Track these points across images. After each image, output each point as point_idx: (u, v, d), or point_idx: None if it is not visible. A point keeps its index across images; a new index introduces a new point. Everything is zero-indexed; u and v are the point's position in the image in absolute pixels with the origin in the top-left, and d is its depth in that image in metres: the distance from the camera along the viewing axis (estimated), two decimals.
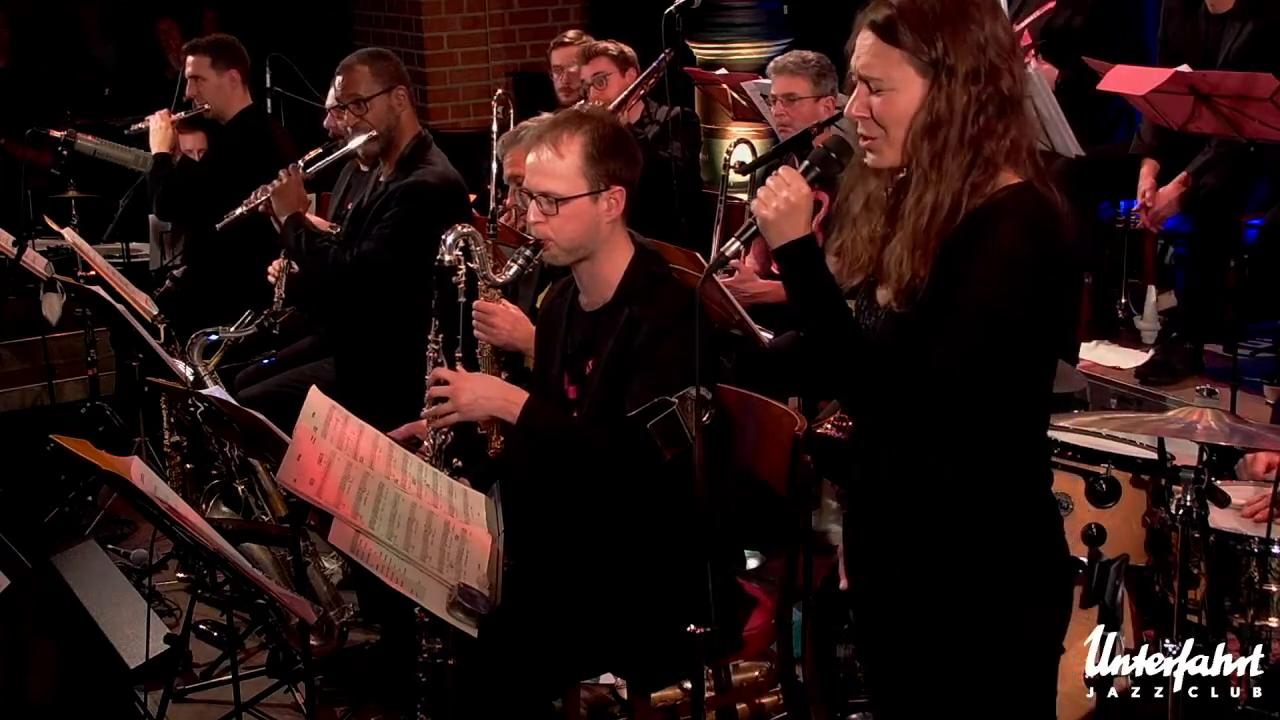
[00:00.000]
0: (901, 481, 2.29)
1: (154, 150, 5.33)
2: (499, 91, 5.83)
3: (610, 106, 5.24)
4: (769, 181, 2.26)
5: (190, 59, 5.36)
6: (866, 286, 2.33)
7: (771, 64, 4.96)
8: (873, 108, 2.21)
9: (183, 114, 5.39)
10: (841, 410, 3.70)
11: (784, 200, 2.22)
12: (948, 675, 2.26)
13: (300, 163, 4.52)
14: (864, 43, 2.21)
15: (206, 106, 5.35)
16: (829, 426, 3.69)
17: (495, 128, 5.84)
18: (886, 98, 2.19)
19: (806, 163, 2.31)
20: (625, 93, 5.46)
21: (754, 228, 2.29)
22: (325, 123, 4.63)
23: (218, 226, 4.55)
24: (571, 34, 6.08)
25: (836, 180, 2.36)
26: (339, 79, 4.49)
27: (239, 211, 4.49)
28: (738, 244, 2.37)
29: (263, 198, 4.45)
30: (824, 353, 2.26)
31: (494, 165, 5.20)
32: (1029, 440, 2.28)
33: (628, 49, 5.60)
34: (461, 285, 3.35)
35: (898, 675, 2.35)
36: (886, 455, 2.31)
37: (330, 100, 4.58)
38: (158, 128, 5.33)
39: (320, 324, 4.90)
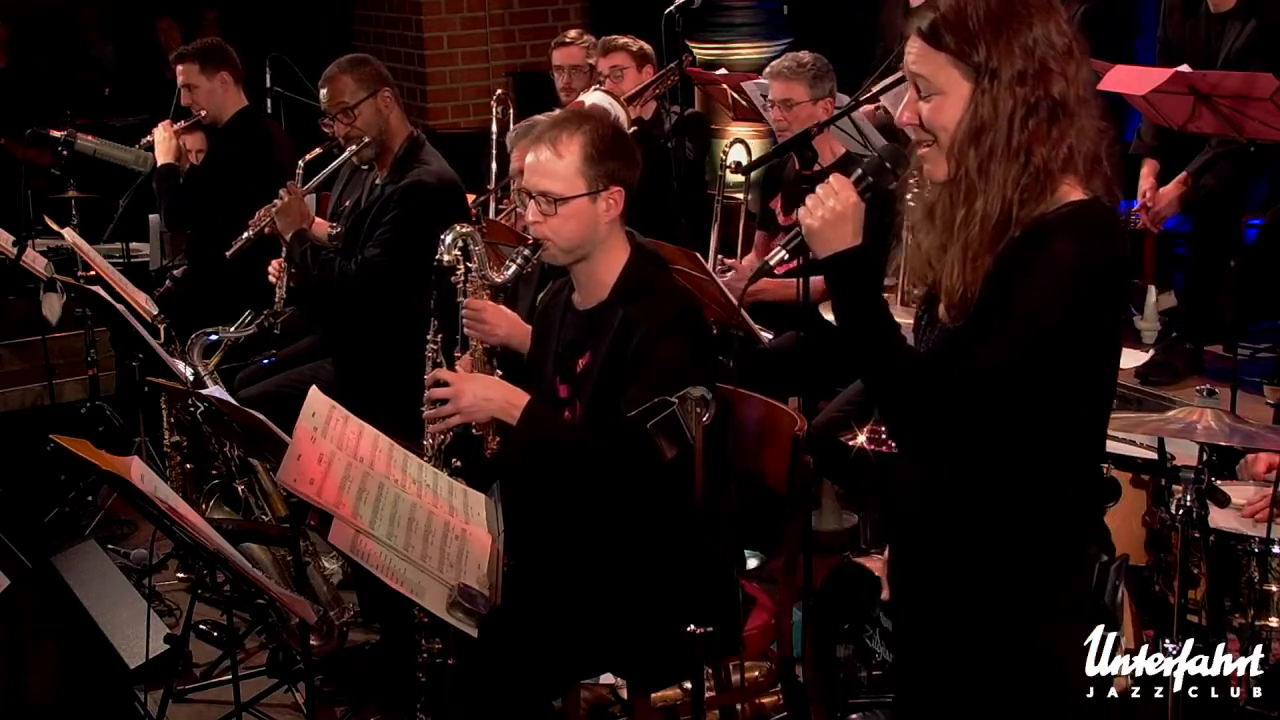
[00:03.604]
0: (941, 497, 2.25)
1: (160, 161, 5.34)
2: (498, 91, 5.84)
3: (624, 98, 5.25)
4: (818, 189, 2.21)
5: (180, 68, 5.37)
6: (928, 301, 2.28)
7: (767, 69, 4.95)
8: (922, 114, 2.17)
9: (183, 122, 5.40)
10: (876, 422, 3.70)
11: (830, 210, 2.18)
12: (982, 689, 2.23)
13: (299, 177, 4.55)
14: (911, 48, 2.17)
15: (204, 112, 5.36)
16: (863, 439, 3.68)
17: (495, 127, 5.85)
18: (935, 103, 2.15)
19: (859, 171, 2.26)
20: (640, 87, 5.46)
21: (799, 236, 2.25)
22: (323, 124, 4.64)
23: (227, 255, 4.59)
24: (573, 34, 6.09)
25: (889, 191, 2.32)
26: (324, 90, 4.52)
27: (246, 236, 4.55)
28: (783, 252, 2.33)
29: (266, 219, 4.48)
30: (866, 370, 2.22)
31: (494, 164, 5.20)
32: (1076, 462, 2.22)
33: (646, 46, 5.59)
34: (461, 285, 3.35)
35: (933, 688, 2.32)
36: (927, 470, 2.27)
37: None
38: (162, 138, 5.34)
39: (319, 324, 4.90)
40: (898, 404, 2.20)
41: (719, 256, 4.94)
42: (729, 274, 4.68)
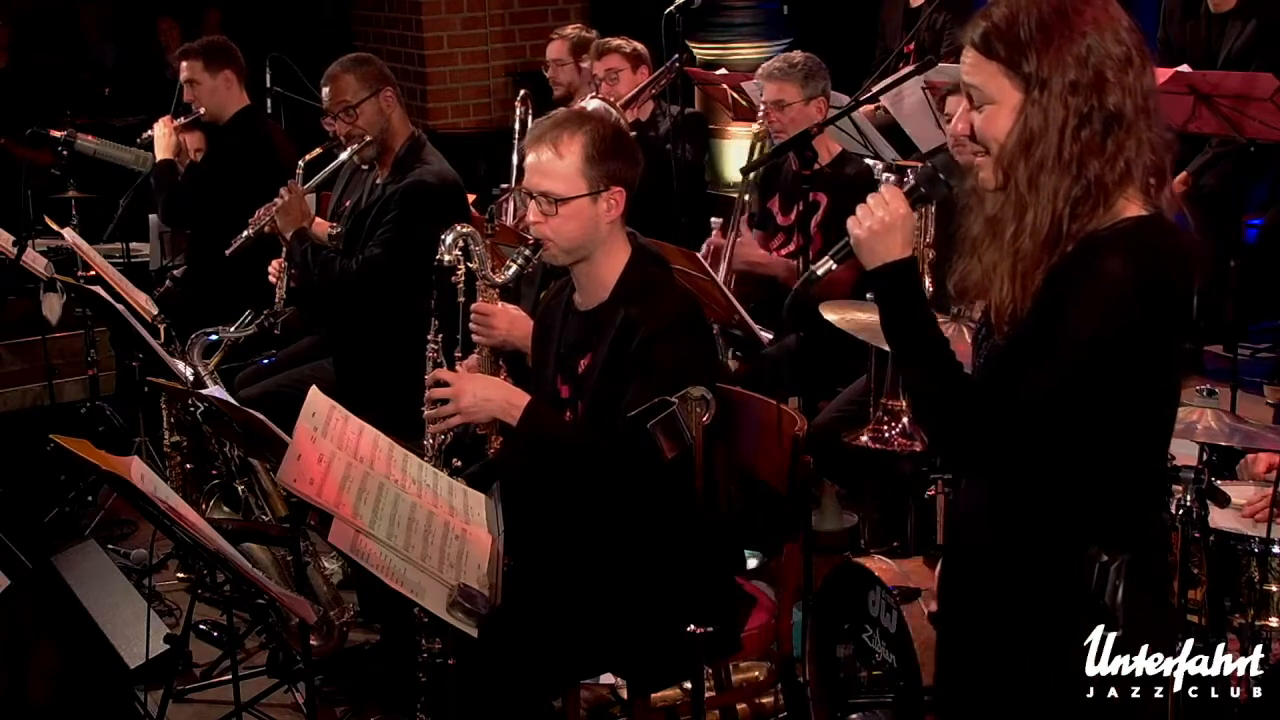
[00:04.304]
0: (991, 515, 2.22)
1: (159, 157, 5.33)
2: (523, 91, 5.83)
3: (620, 103, 5.24)
4: (869, 199, 2.18)
5: (184, 64, 5.37)
6: (986, 315, 2.22)
7: (759, 70, 4.93)
8: (974, 125, 2.13)
9: (183, 119, 5.39)
10: (876, 422, 3.71)
11: (879, 220, 2.15)
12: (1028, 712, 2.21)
13: (299, 176, 4.55)
14: (965, 58, 2.13)
15: (202, 110, 5.35)
16: (865, 439, 3.68)
17: (517, 127, 5.84)
18: (987, 114, 2.11)
19: (911, 182, 2.23)
20: (636, 90, 5.46)
21: (847, 246, 2.22)
22: (324, 123, 4.65)
23: (227, 253, 4.60)
24: (570, 29, 6.08)
25: (941, 200, 2.28)
26: (326, 89, 4.53)
27: (246, 234, 4.56)
28: (831, 263, 2.29)
29: (266, 218, 4.49)
30: (911, 384, 2.18)
31: (515, 163, 5.18)
32: (1131, 488, 2.16)
33: (640, 46, 5.59)
34: (461, 285, 3.35)
35: (974, 704, 2.29)
36: (979, 489, 2.26)
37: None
38: (162, 134, 5.33)
39: (320, 324, 4.90)
40: (941, 420, 2.17)
41: (736, 220, 4.83)
42: (739, 240, 4.63)
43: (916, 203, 2.21)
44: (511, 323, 3.39)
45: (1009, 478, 2.15)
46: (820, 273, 2.32)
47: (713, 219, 4.80)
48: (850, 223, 2.19)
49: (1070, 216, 2.06)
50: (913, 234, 2.18)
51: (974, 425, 2.11)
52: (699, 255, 4.15)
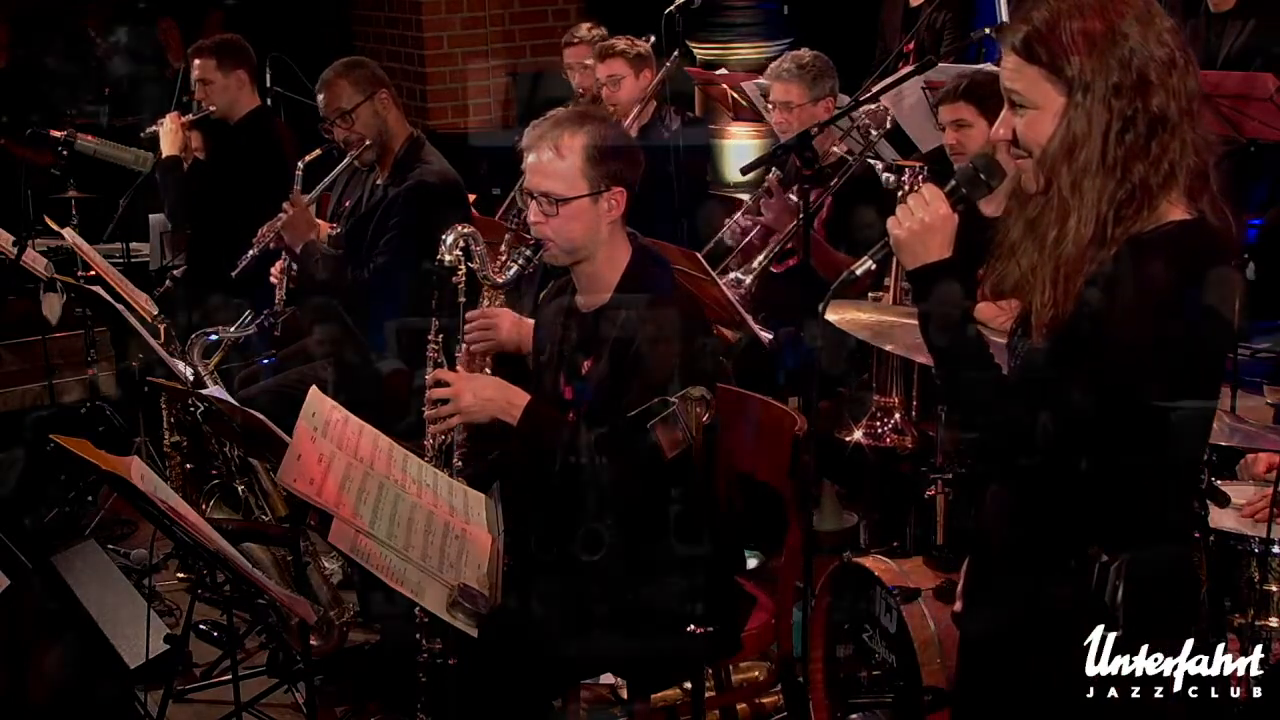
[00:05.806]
0: (1017, 516, 2.22)
1: (165, 153, 5.30)
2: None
3: (628, 120, 5.21)
4: (909, 200, 2.18)
5: (197, 62, 5.33)
6: (1023, 318, 2.22)
7: (768, 70, 4.93)
8: (1016, 129, 2.13)
9: (190, 116, 5.37)
10: (870, 418, 3.70)
11: (919, 221, 2.15)
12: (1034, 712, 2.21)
13: (298, 178, 4.54)
14: (1006, 63, 2.13)
15: (213, 108, 5.32)
16: (858, 435, 3.68)
17: None
18: (1029, 118, 2.10)
19: (953, 183, 2.22)
20: (639, 107, 5.41)
21: (887, 246, 2.22)
22: (322, 129, 4.64)
23: (233, 274, 4.59)
24: (583, 30, 6.04)
25: (977, 202, 2.27)
26: (320, 96, 4.52)
27: (251, 254, 4.56)
28: (870, 263, 2.30)
29: (271, 235, 4.48)
30: (949, 387, 2.18)
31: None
32: (1153, 487, 2.15)
33: (644, 47, 5.49)
34: (462, 285, 3.35)
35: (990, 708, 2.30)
36: (1004, 490, 2.25)
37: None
38: (169, 130, 5.30)
39: (319, 323, 4.90)
40: (980, 420, 2.17)
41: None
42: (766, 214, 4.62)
43: (957, 204, 2.20)
44: (515, 326, 3.37)
45: (1039, 478, 2.14)
46: (859, 273, 2.32)
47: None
48: (890, 223, 2.19)
49: (1114, 220, 2.05)
50: (953, 235, 2.16)
51: (1014, 425, 2.10)
52: (699, 255, 4.15)
